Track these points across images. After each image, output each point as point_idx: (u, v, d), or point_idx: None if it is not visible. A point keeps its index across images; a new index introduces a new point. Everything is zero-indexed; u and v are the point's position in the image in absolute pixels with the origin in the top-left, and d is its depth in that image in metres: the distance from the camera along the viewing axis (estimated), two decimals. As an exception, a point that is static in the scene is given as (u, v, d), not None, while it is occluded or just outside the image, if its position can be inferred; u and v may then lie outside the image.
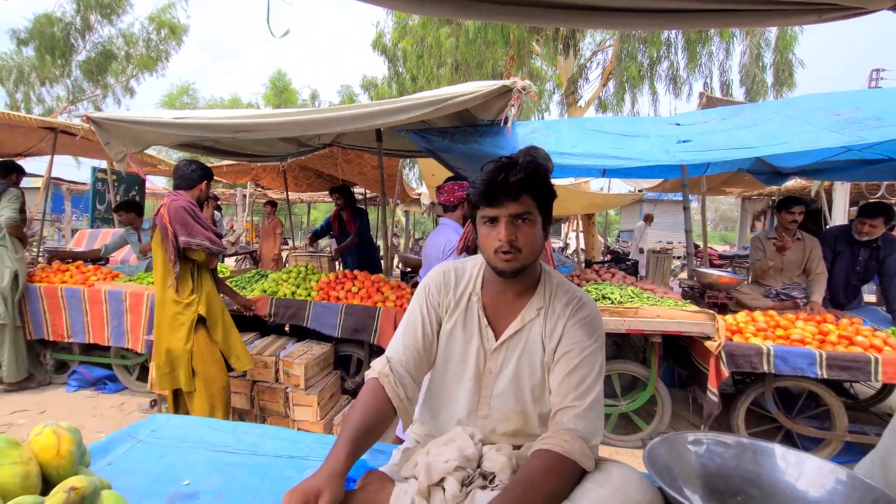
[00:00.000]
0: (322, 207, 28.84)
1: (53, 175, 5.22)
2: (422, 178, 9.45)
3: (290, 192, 7.81)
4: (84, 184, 10.38)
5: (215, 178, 7.43)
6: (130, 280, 3.78)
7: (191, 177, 2.62)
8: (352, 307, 3.14)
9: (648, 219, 9.16)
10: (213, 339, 2.59)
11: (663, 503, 0.89)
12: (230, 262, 8.06)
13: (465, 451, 1.03)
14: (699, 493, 0.90)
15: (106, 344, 3.53)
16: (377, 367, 1.11)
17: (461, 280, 1.21)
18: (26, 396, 3.51)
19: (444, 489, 0.96)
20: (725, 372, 2.61)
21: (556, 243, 13.59)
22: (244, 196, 10.60)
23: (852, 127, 2.57)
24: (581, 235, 10.16)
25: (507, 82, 2.63)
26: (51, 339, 3.65)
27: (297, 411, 2.99)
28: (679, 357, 3.37)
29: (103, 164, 7.07)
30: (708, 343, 2.72)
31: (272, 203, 7.65)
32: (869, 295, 5.62)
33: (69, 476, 0.94)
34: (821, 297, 3.36)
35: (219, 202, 6.62)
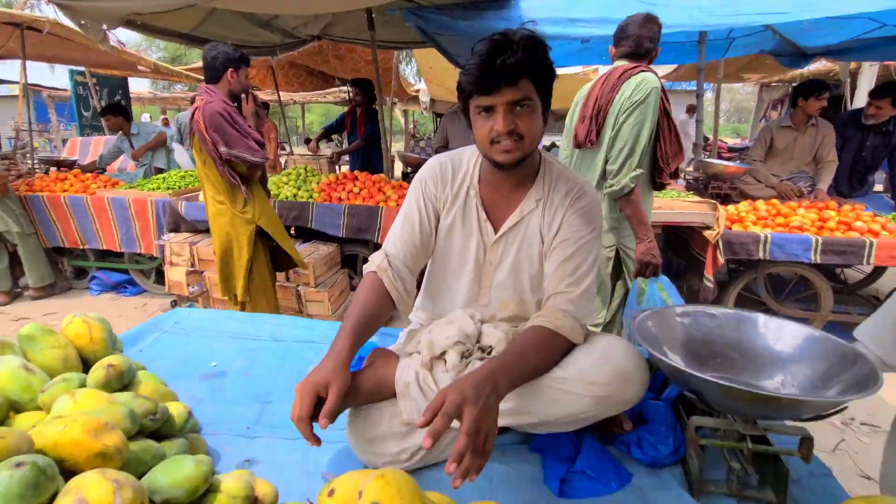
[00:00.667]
0: (317, 109, 27.58)
1: (30, 82, 4.92)
2: (419, 73, 8.87)
3: (281, 93, 7.42)
4: (64, 90, 9.84)
5: (193, 77, 6.99)
6: (131, 187, 3.77)
7: (212, 65, 2.17)
8: (354, 207, 3.16)
9: (691, 110, 8.38)
10: (269, 247, 2.50)
11: (647, 369, 0.98)
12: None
13: (465, 329, 1.10)
14: (681, 355, 0.98)
15: (118, 250, 3.63)
16: (375, 261, 1.12)
17: (458, 172, 1.17)
18: (53, 301, 3.71)
19: (445, 361, 1.04)
20: (721, 259, 2.68)
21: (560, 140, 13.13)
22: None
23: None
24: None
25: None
26: (66, 247, 3.75)
27: (310, 307, 3.16)
28: (677, 249, 3.44)
29: (81, 68, 6.64)
30: (707, 232, 2.75)
31: (264, 105, 7.28)
32: (878, 185, 5.52)
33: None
34: (826, 185, 3.32)
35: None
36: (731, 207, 3.02)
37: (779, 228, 2.76)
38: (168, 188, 3.74)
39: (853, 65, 5.87)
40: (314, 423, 0.86)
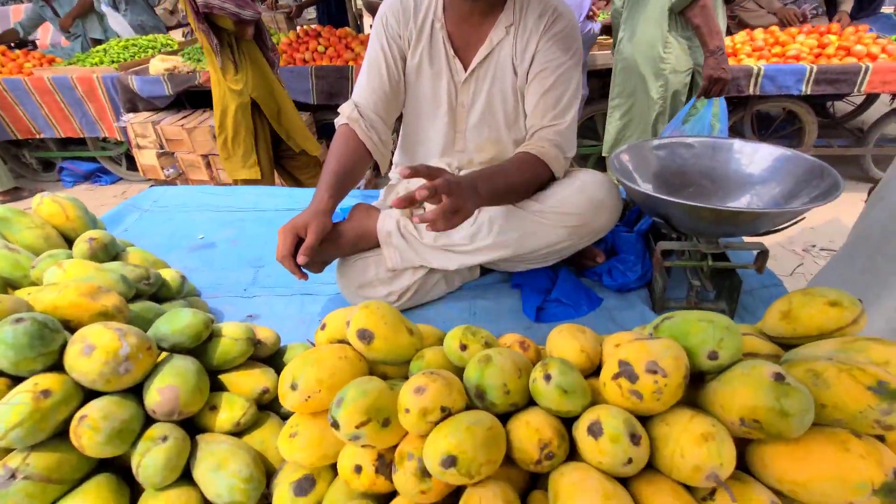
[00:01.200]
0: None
1: None
2: None
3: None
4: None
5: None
6: (71, 63, 3.39)
7: None
8: (322, 69, 2.90)
9: None
10: (267, 124, 2.23)
11: (619, 198, 1.00)
12: (177, 35, 7.05)
13: (442, 176, 1.09)
14: (655, 185, 0.99)
15: (80, 136, 3.42)
16: (346, 111, 1.07)
17: (420, 4, 1.05)
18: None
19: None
20: (710, 98, 2.58)
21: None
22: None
23: None
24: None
25: None
26: (21, 138, 3.51)
27: (287, 182, 3.11)
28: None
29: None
30: (698, 70, 2.60)
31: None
32: (889, 7, 5.08)
33: (86, 233, 1.03)
34: (850, 5, 3.06)
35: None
36: (727, 39, 2.80)
37: (774, 59, 2.60)
38: (112, 61, 3.37)
39: None
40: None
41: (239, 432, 0.72)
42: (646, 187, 0.97)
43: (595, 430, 0.48)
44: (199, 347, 0.77)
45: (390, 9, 1.06)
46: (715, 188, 1.01)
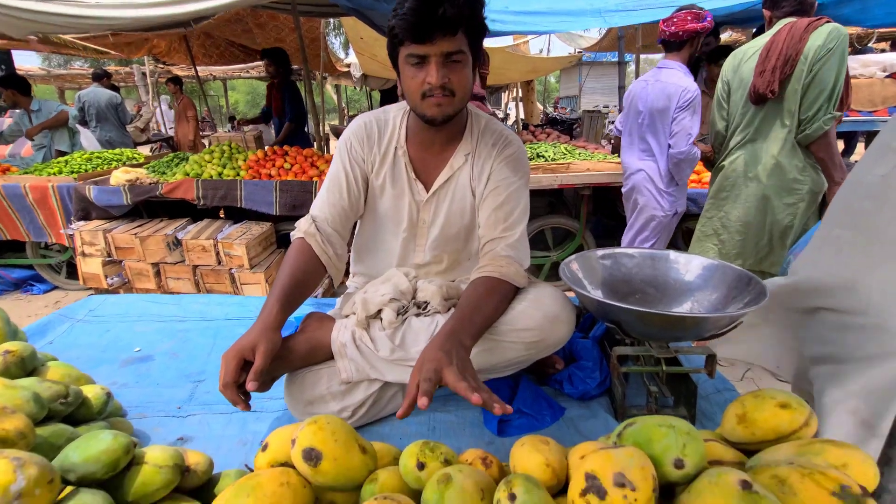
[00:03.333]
0: (242, 87, 25.87)
1: None
2: (348, 43, 8.52)
3: (198, 67, 6.85)
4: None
5: (104, 51, 6.29)
6: (26, 172, 3.36)
7: None
8: (286, 183, 3.03)
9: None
10: None
11: (574, 311, 1.03)
12: (144, 151, 7.27)
13: (399, 286, 1.10)
14: (604, 293, 1.04)
15: (26, 240, 3.26)
16: (302, 226, 1.08)
17: (384, 132, 1.14)
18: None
19: (381, 319, 1.04)
20: (645, 217, 2.87)
21: (496, 113, 13.24)
22: (143, 74, 9.16)
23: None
24: (521, 104, 9.94)
25: None
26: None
27: (245, 290, 3.03)
28: (608, 211, 3.63)
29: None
30: (631, 192, 2.92)
31: (176, 80, 6.68)
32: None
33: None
34: None
35: (111, 81, 5.57)
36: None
37: (693, 185, 2.98)
38: (72, 171, 3.38)
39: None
40: (259, 397, 0.84)
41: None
42: (596, 294, 1.02)
43: (567, 560, 0.43)
44: (115, 478, 0.66)
45: (355, 135, 1.14)
46: (659, 295, 1.07)
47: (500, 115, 13.19)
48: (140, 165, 3.67)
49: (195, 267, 3.02)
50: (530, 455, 0.58)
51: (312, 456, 0.57)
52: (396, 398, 1.05)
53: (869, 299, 0.94)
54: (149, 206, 3.30)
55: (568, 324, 0.99)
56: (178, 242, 2.99)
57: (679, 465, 0.47)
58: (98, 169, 3.53)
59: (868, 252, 0.97)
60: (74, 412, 0.86)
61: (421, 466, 0.58)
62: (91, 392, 0.91)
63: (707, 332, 0.87)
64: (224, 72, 9.55)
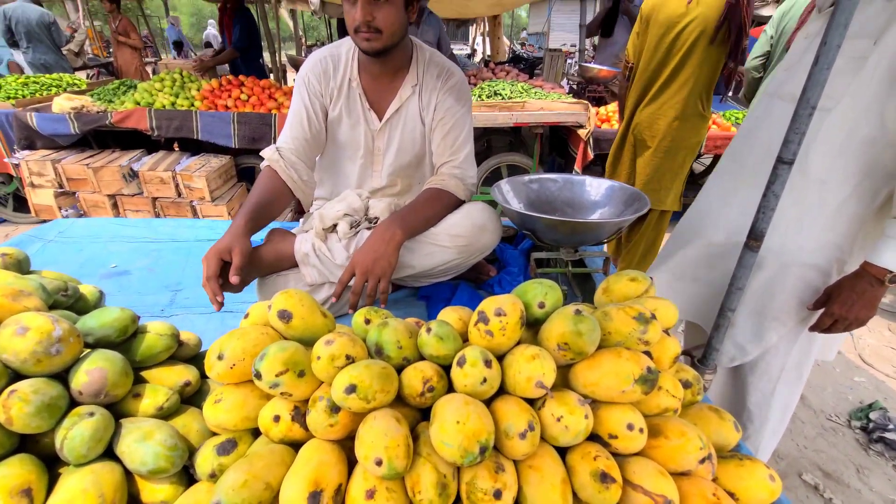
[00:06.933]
0: (184, 8, 23.42)
1: None
2: (304, -36, 7.87)
3: (135, -17, 6.24)
4: None
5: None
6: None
7: None
8: (245, 115, 3.02)
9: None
10: None
11: (499, 221, 1.24)
12: (81, 77, 6.72)
13: (353, 204, 1.27)
14: (524, 206, 1.25)
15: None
16: (268, 154, 1.21)
17: (339, 66, 1.25)
18: None
19: (336, 231, 1.21)
20: (591, 154, 3.08)
21: (463, 49, 12.84)
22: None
23: None
24: (488, 39, 9.68)
25: None
26: None
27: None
28: (559, 148, 3.82)
29: None
30: (580, 131, 3.11)
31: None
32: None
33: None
34: None
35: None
36: (602, 108, 3.39)
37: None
38: (7, 97, 3.21)
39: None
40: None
41: (162, 417, 0.78)
42: (518, 207, 1.23)
43: (461, 361, 0.65)
44: (124, 344, 0.83)
45: (312, 70, 1.25)
46: (573, 212, 1.29)
47: (468, 49, 12.80)
48: (83, 92, 3.50)
49: (154, 199, 3.04)
50: (447, 313, 0.79)
51: (285, 315, 0.75)
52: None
53: (729, 219, 1.19)
54: (98, 136, 3.22)
55: (493, 232, 1.19)
56: (134, 174, 2.98)
57: (541, 305, 0.70)
58: (37, 95, 3.36)
59: (735, 177, 1.21)
60: (74, 305, 1.01)
61: (367, 322, 0.78)
62: (86, 290, 1.05)
63: (603, 235, 1.09)
64: (165, -10, 8.69)
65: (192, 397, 0.87)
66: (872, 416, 1.93)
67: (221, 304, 1.00)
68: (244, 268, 1.00)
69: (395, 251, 1.06)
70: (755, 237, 0.87)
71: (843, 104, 1.00)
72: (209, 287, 0.99)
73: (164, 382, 0.83)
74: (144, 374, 0.84)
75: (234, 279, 0.97)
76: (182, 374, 0.84)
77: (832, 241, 1.07)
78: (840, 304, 1.01)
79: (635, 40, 2.16)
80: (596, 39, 4.28)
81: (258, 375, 0.64)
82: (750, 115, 1.23)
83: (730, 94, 4.03)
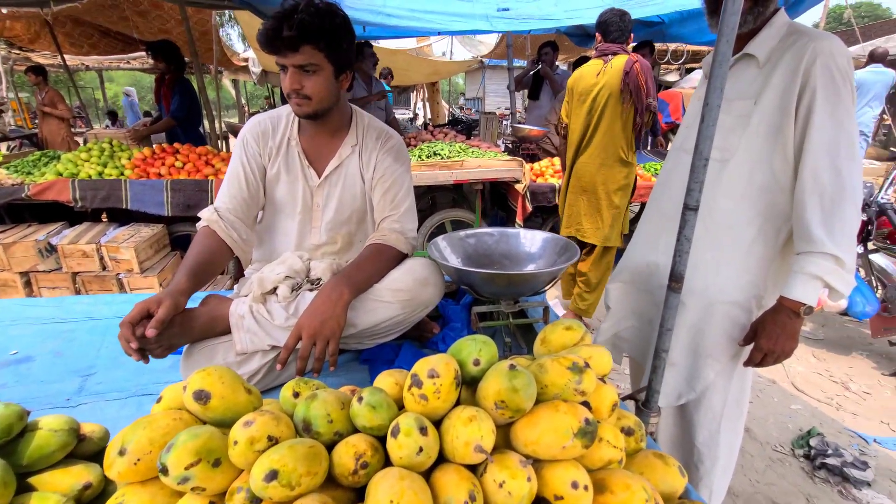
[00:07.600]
0: (121, 79, 23.20)
1: None
2: (245, 37, 8.14)
3: (66, 56, 6.14)
4: None
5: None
6: None
7: None
8: (179, 182, 2.92)
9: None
10: None
11: (441, 276, 1.24)
12: (1, 149, 6.33)
13: (294, 266, 1.23)
14: (461, 261, 1.26)
15: None
16: (206, 215, 1.20)
17: (278, 127, 1.29)
18: None
19: (276, 295, 1.16)
20: (529, 207, 3.23)
21: (405, 114, 13.46)
22: (-5, 61, 7.92)
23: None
24: (427, 104, 10.25)
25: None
26: None
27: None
28: (499, 202, 3.98)
29: None
30: (517, 185, 3.26)
31: (37, 70, 5.90)
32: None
33: None
34: None
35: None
36: (536, 164, 3.60)
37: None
38: None
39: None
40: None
41: (51, 533, 0.67)
42: (456, 262, 1.23)
43: (395, 431, 0.61)
44: (8, 446, 0.72)
45: (251, 133, 1.28)
46: (511, 264, 1.32)
47: (409, 114, 13.44)
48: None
49: (75, 274, 2.81)
50: (382, 378, 0.75)
51: (202, 396, 0.68)
52: (289, 367, 1.17)
53: (657, 260, 1.26)
54: (11, 210, 2.99)
55: (435, 286, 1.19)
56: (52, 248, 2.76)
57: (476, 363, 0.68)
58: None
59: (657, 223, 1.29)
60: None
61: (296, 395, 0.73)
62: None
63: (539, 286, 1.11)
64: (99, 62, 8.60)
65: (94, 501, 0.75)
66: (812, 442, 2.01)
67: (140, 353, 0.93)
68: (165, 322, 0.93)
69: (344, 311, 1.04)
70: (675, 279, 0.92)
71: (738, 156, 1.12)
72: (123, 330, 0.91)
73: (57, 488, 0.72)
74: (33, 479, 0.72)
75: (150, 331, 0.90)
76: (80, 475, 0.73)
77: (748, 279, 1.15)
78: (766, 338, 1.07)
79: (566, 106, 2.69)
80: (527, 102, 4.65)
81: (164, 470, 0.56)
82: (664, 167, 1.35)
83: (641, 146, 4.44)
